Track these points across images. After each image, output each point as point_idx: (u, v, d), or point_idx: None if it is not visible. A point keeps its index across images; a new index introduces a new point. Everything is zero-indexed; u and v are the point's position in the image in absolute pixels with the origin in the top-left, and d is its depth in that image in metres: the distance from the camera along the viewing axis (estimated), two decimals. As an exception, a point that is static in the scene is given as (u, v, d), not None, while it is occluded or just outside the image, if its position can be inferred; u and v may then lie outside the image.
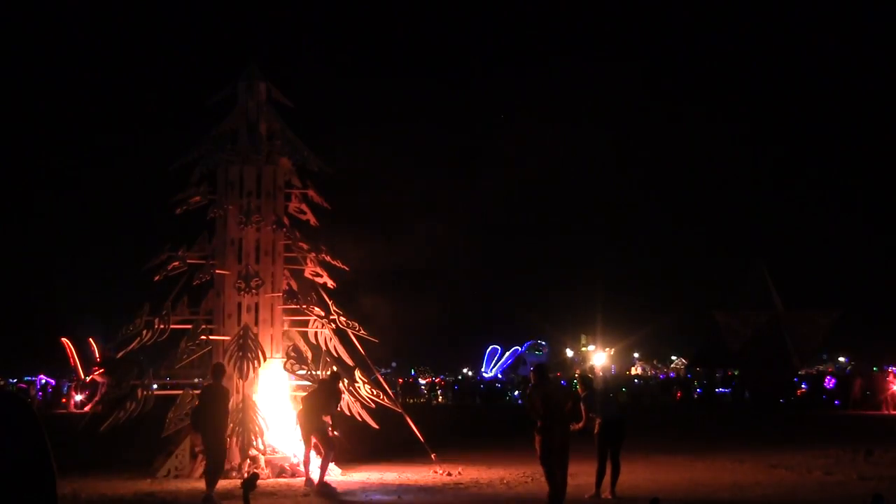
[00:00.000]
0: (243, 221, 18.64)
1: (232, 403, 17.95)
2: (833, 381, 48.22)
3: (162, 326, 18.52)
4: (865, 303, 65.02)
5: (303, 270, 19.46)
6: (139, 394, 18.08)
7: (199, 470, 16.78)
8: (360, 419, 19.01)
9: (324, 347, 19.26)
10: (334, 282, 19.48)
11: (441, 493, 16.06)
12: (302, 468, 17.16)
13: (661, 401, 51.93)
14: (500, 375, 77.48)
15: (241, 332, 18.15)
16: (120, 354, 19.56)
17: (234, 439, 17.72)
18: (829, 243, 78.39)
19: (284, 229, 19.04)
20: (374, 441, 20.11)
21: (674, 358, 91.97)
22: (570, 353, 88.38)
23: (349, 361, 19.33)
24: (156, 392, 18.44)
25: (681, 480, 17.34)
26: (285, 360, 18.69)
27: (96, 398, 31.17)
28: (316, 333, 19.36)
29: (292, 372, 18.68)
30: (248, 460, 17.61)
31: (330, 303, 19.26)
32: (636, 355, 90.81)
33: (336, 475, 17.53)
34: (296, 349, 18.98)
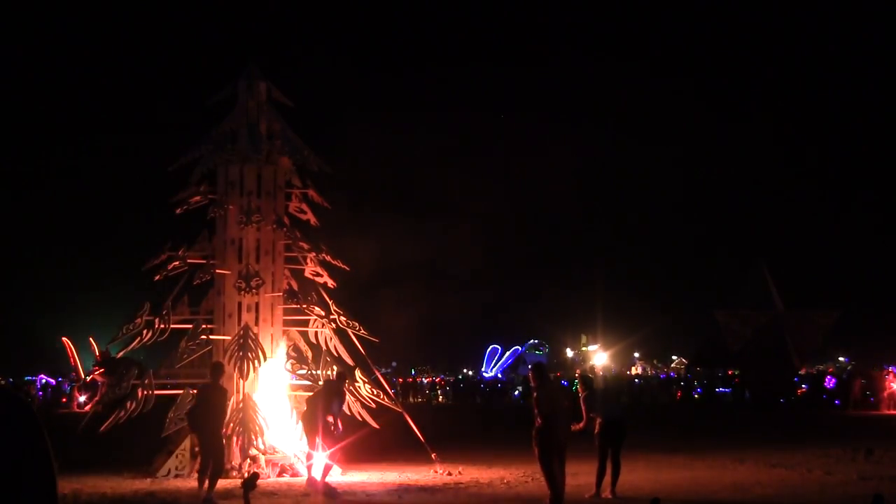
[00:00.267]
0: (244, 221, 18.64)
1: (232, 403, 17.96)
2: (833, 380, 48.22)
3: (162, 326, 18.52)
4: (866, 303, 65.04)
5: (303, 270, 19.46)
6: (139, 393, 18.08)
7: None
8: (360, 419, 19.01)
9: (324, 347, 19.26)
10: (334, 281, 19.48)
11: (441, 493, 16.05)
12: (305, 467, 17.16)
13: (661, 400, 51.93)
14: (500, 375, 77.50)
15: (242, 332, 18.15)
16: (120, 354, 19.55)
17: (235, 439, 17.72)
18: (830, 243, 78.44)
19: (285, 229, 19.04)
20: (375, 441, 20.10)
21: (674, 358, 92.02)
22: (570, 352, 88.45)
23: (349, 361, 19.32)
24: (156, 392, 18.42)
25: (681, 480, 17.34)
26: (286, 359, 18.69)
27: (96, 398, 31.15)
28: (316, 333, 19.36)
29: (293, 372, 18.68)
30: (249, 460, 17.61)
31: (330, 302, 19.26)
32: (636, 355, 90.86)
33: (337, 475, 17.52)
34: (296, 349, 18.99)
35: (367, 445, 19.58)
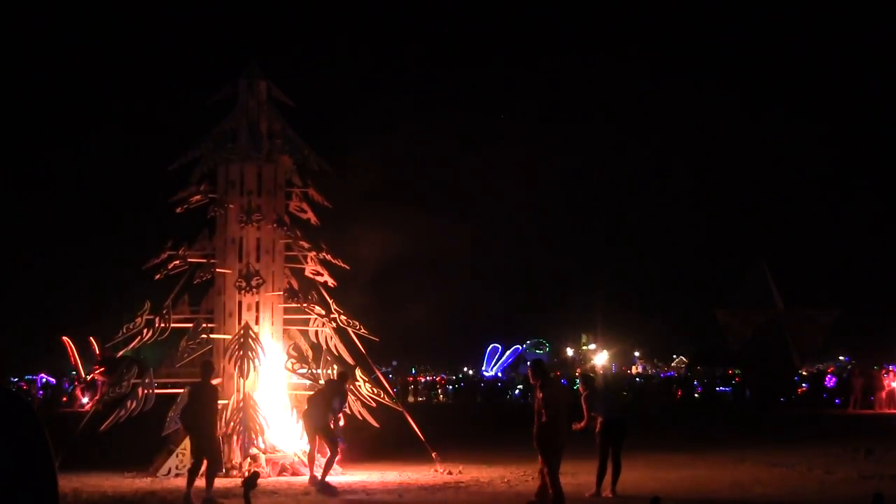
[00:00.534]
0: (244, 220, 18.64)
1: (233, 402, 17.97)
2: (833, 379, 48.25)
3: (163, 325, 18.52)
4: (866, 302, 65.04)
5: (303, 269, 19.46)
6: (140, 392, 18.08)
7: (200, 469, 16.76)
8: (360, 418, 19.00)
9: (324, 346, 19.26)
10: (335, 280, 19.47)
11: (442, 492, 16.05)
12: (306, 466, 17.16)
13: (661, 400, 51.93)
14: (500, 374, 77.49)
15: (242, 331, 18.15)
16: (120, 353, 19.56)
17: (235, 438, 17.72)
18: (830, 242, 78.44)
19: (285, 228, 19.04)
20: (375, 440, 20.09)
21: (674, 357, 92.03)
22: (570, 352, 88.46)
23: (350, 360, 19.32)
24: (156, 391, 18.42)
25: (682, 479, 17.34)
26: (286, 358, 18.68)
27: (96, 397, 31.16)
28: (317, 332, 19.36)
29: (293, 371, 18.68)
30: (249, 459, 17.61)
31: (331, 301, 19.26)
32: (637, 354, 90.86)
33: (337, 474, 17.51)
34: (297, 348, 18.98)
35: (367, 445, 19.60)
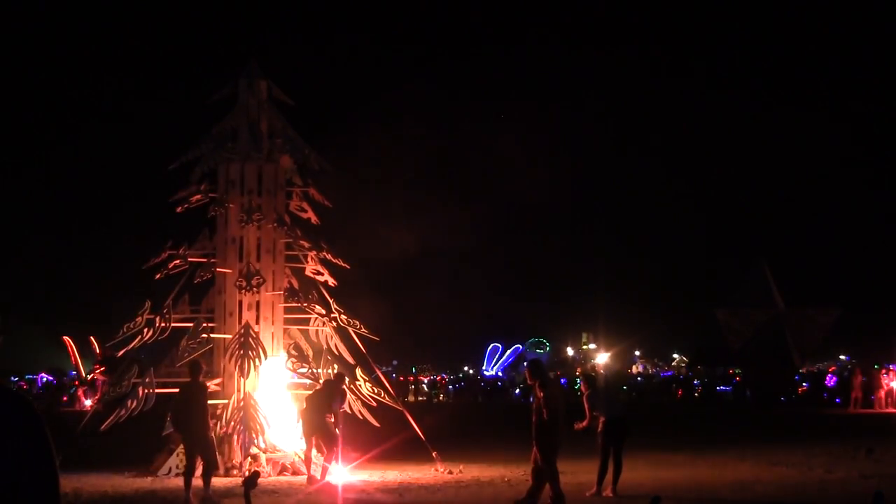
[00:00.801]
0: (244, 219, 18.64)
1: (233, 401, 17.97)
2: (834, 379, 48.24)
3: (163, 324, 18.52)
4: (866, 301, 65.07)
5: (304, 268, 19.46)
6: (140, 392, 18.07)
7: (200, 468, 16.76)
8: (361, 417, 19.01)
9: (325, 346, 19.26)
10: (335, 280, 19.47)
11: (442, 492, 16.05)
12: (305, 466, 17.15)
13: (661, 399, 51.94)
14: (500, 373, 77.51)
15: (243, 331, 18.15)
16: (121, 353, 19.55)
17: (236, 437, 17.72)
18: (830, 242, 78.45)
19: (285, 227, 19.04)
20: (376, 439, 20.09)
21: (675, 356, 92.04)
22: (570, 351, 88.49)
23: (350, 359, 19.32)
24: (157, 391, 18.41)
25: (682, 478, 17.33)
26: (286, 358, 18.68)
27: (97, 396, 31.18)
28: (317, 331, 19.36)
29: (293, 370, 18.67)
30: (250, 458, 17.61)
31: (331, 301, 19.26)
32: (637, 353, 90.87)
33: (337, 474, 17.51)
34: (297, 347, 18.97)
35: (368, 444, 19.58)
